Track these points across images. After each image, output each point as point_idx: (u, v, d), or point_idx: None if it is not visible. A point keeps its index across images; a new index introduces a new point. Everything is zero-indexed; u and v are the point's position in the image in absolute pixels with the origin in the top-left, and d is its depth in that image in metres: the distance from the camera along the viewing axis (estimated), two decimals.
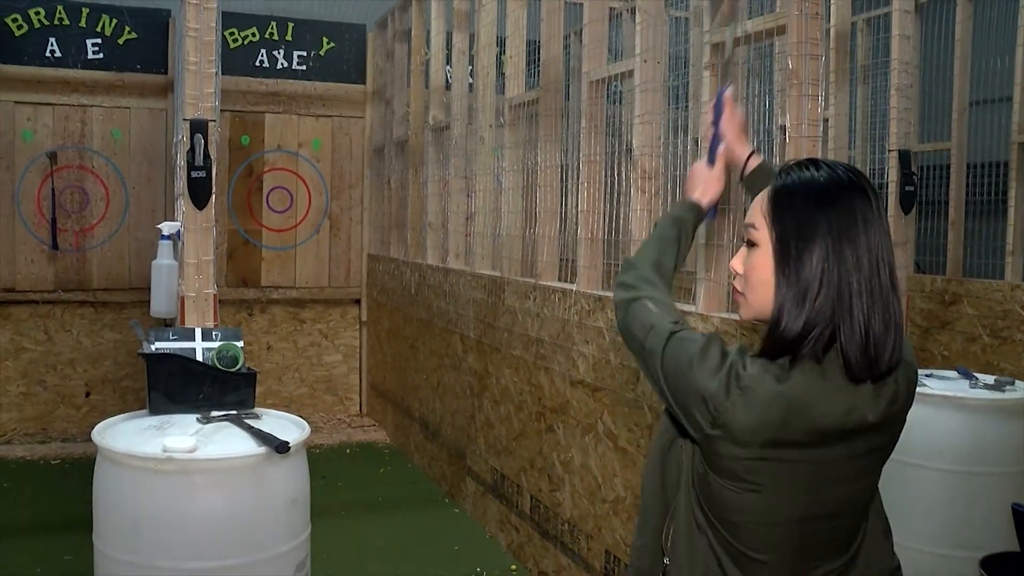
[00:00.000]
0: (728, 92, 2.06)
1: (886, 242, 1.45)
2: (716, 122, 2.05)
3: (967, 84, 5.49)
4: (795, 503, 1.45)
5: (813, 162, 1.51)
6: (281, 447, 2.57)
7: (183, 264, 3.33)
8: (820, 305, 1.40)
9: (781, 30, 2.75)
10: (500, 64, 4.82)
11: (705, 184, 2.01)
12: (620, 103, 4.71)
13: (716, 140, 2.05)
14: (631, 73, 3.40)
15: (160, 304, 3.57)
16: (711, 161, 2.04)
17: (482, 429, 4.61)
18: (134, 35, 6.47)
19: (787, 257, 1.44)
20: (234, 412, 2.98)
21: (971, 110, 5.54)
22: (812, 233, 1.43)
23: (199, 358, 3.13)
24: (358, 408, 7.26)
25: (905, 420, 1.51)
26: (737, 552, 1.48)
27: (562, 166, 4.05)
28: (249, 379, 3.12)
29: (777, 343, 1.42)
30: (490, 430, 4.51)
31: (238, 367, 3.13)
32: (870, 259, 1.42)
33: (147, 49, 6.50)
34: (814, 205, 1.44)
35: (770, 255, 1.47)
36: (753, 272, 1.51)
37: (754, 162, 1.98)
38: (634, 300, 1.68)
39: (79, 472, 5.14)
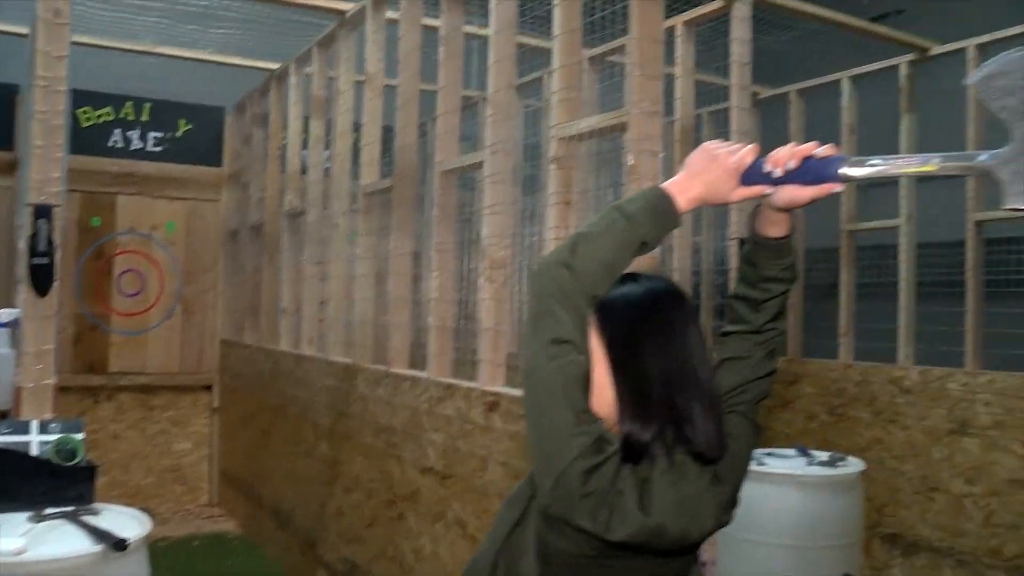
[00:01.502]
0: (837, 187, 1.53)
1: (701, 342, 1.53)
2: (792, 175, 1.54)
3: None
4: None
5: (632, 276, 1.58)
6: (119, 544, 2.49)
7: (21, 353, 3.21)
8: (659, 405, 1.47)
9: (623, 127, 2.88)
10: (356, 151, 4.87)
11: (710, 187, 1.56)
12: (475, 189, 4.81)
13: (767, 179, 1.56)
14: (481, 164, 3.48)
15: None
16: (743, 180, 1.57)
17: (334, 517, 4.54)
18: None
19: (620, 362, 1.51)
20: (71, 508, 2.87)
21: None
22: (639, 338, 1.51)
23: (35, 452, 3.01)
24: (208, 497, 7.02)
25: None
26: None
27: (415, 253, 4.09)
28: (88, 473, 3.02)
29: (632, 451, 1.46)
30: (342, 518, 4.44)
31: (77, 460, 3.02)
32: (688, 357, 1.50)
33: None
34: (637, 314, 1.53)
35: (603, 362, 1.52)
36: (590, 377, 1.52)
37: (782, 232, 1.61)
38: (559, 349, 1.46)
39: None
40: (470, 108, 5.69)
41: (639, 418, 1.47)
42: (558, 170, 3.08)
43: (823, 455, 3.99)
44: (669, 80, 4.72)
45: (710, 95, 6.20)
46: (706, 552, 1.94)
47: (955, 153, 1.51)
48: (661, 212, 1.53)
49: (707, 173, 1.55)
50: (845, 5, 5.72)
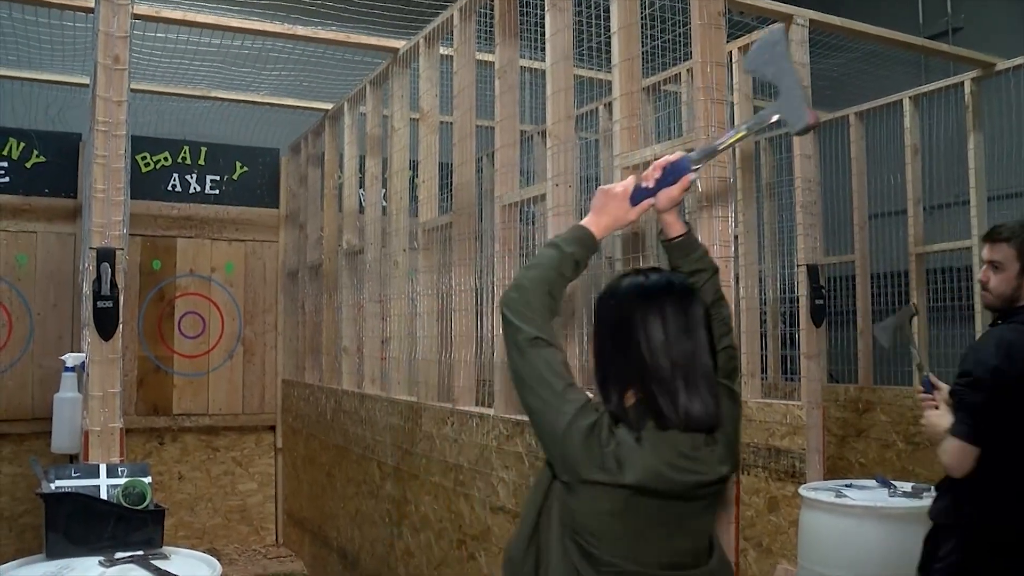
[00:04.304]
0: (692, 175, 1.98)
1: (686, 326, 1.78)
2: (660, 183, 1.99)
3: (865, 199, 5.72)
4: (650, 540, 1.75)
5: (636, 271, 1.92)
6: None
7: (88, 397, 3.21)
8: (633, 381, 1.77)
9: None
10: (413, 187, 4.85)
11: (611, 215, 2.00)
12: (534, 223, 4.77)
13: (647, 193, 2.00)
14: (543, 197, 3.44)
15: (62, 439, 3.43)
16: (633, 202, 2.00)
17: (402, 558, 4.48)
18: (43, 158, 6.37)
19: (603, 345, 1.85)
20: (140, 552, 2.85)
21: (871, 223, 5.76)
22: (618, 325, 1.82)
23: (103, 496, 3.00)
24: (274, 538, 7.02)
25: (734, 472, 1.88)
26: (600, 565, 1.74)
27: (477, 289, 4.05)
28: (157, 516, 3.00)
29: (614, 416, 1.76)
30: (410, 559, 4.38)
31: (145, 504, 3.00)
32: (667, 342, 1.76)
33: (56, 172, 6.40)
34: (617, 304, 1.85)
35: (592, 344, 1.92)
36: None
37: (678, 231, 2.04)
38: (531, 345, 1.81)
39: None
40: (524, 142, 5.66)
41: (611, 396, 1.78)
42: None
43: (906, 485, 3.84)
44: (727, 106, 4.66)
45: None
46: None
47: (752, 117, 1.99)
48: (581, 239, 1.97)
49: (606, 206, 2.00)
50: (901, 25, 5.63)
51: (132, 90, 3.40)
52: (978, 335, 4.93)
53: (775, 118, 1.93)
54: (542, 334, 1.81)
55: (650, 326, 1.77)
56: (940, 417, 2.93)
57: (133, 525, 2.94)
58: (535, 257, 1.97)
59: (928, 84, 5.53)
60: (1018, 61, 4.98)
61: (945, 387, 3.06)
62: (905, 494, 3.77)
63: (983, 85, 5.21)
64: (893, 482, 3.93)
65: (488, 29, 4.05)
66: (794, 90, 1.89)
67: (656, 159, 2.94)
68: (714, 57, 2.78)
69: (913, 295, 5.37)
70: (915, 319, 3.56)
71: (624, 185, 2.01)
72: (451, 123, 4.22)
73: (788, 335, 5.48)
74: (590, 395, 1.78)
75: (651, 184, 1.98)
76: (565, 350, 1.87)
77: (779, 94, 1.92)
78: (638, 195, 1.99)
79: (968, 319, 5.03)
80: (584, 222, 2.01)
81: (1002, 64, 5.08)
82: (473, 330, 4.02)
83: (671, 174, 1.97)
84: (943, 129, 5.56)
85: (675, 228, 2.03)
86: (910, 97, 5.46)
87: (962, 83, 5.23)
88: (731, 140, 1.99)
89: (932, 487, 3.77)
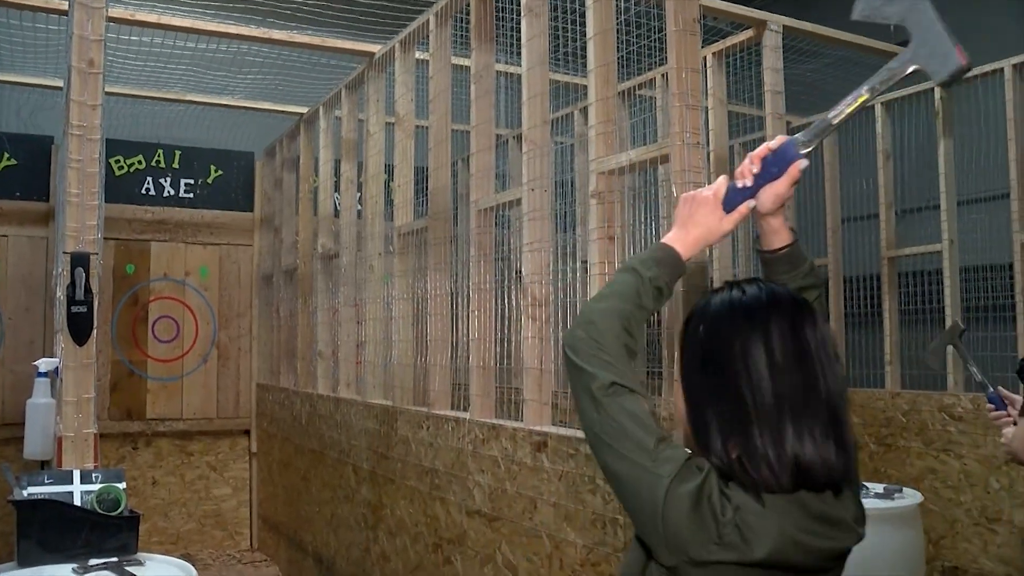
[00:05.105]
0: (803, 162, 1.63)
1: (811, 350, 1.41)
2: (760, 178, 1.63)
3: (838, 203, 5.78)
4: None
5: (730, 284, 1.53)
6: None
7: (61, 402, 3.19)
8: (730, 426, 1.39)
9: (664, 159, 2.83)
10: (388, 192, 4.85)
11: (702, 226, 1.63)
12: (509, 228, 4.78)
13: (745, 193, 1.64)
14: (519, 201, 3.45)
15: (35, 445, 3.40)
16: (727, 207, 1.64)
17: (378, 562, 4.48)
18: (13, 161, 6.32)
19: (696, 383, 1.47)
20: (115, 559, 2.84)
21: (843, 227, 5.81)
22: (717, 355, 1.44)
23: (77, 502, 2.98)
24: (249, 543, 6.99)
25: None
26: None
27: (452, 293, 4.05)
28: (131, 523, 2.99)
29: (722, 473, 1.38)
30: (386, 563, 4.37)
31: (120, 510, 2.99)
32: (773, 374, 1.40)
33: (28, 176, 6.35)
34: (714, 329, 1.47)
35: (679, 384, 1.51)
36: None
37: (784, 240, 1.67)
38: (608, 394, 1.44)
39: None
40: (500, 147, 5.67)
41: (715, 441, 1.39)
42: (599, 205, 3.03)
43: (878, 487, 3.88)
44: (703, 111, 4.68)
45: (741, 125, 6.16)
46: None
47: (877, 73, 1.59)
48: (663, 259, 1.59)
49: (694, 216, 1.63)
50: (873, 31, 5.69)
51: (106, 93, 3.38)
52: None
53: (911, 69, 1.56)
54: (620, 379, 1.45)
55: (750, 355, 1.39)
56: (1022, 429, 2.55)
57: (107, 531, 2.93)
58: (606, 285, 1.61)
59: (899, 90, 5.59)
60: (987, 68, 5.04)
61: (1018, 398, 2.73)
62: (877, 495, 3.80)
63: (953, 92, 5.27)
64: (865, 484, 3.96)
65: (464, 34, 4.06)
66: (933, 28, 1.53)
67: (632, 164, 2.98)
68: (689, 63, 2.79)
69: (885, 298, 5.42)
70: (964, 334, 3.23)
71: (714, 188, 1.64)
72: (427, 127, 4.22)
73: None
74: (688, 450, 1.43)
75: (748, 182, 1.62)
76: (648, 396, 1.55)
77: (912, 37, 1.56)
78: (733, 198, 1.63)
79: (939, 322, 5.08)
80: (667, 239, 1.63)
81: (972, 71, 5.14)
82: (449, 334, 4.02)
83: (773, 164, 1.62)
84: (914, 135, 5.62)
85: (780, 236, 1.65)
86: (882, 103, 5.52)
87: (932, 89, 5.29)
88: (850, 109, 1.62)
89: (882, 489, 3.79)
